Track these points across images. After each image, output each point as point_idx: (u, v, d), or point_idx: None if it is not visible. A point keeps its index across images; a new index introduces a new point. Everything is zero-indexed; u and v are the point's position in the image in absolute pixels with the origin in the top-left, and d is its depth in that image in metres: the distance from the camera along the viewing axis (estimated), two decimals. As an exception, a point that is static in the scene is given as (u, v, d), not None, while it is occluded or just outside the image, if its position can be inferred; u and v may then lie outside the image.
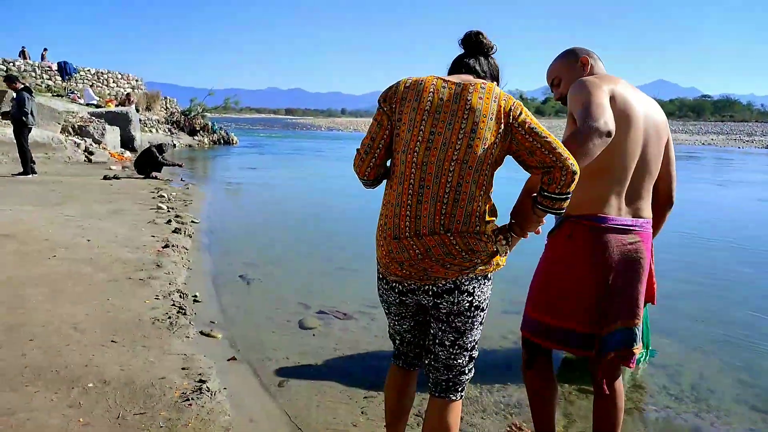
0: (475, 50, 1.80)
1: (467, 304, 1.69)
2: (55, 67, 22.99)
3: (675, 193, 2.17)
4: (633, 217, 1.98)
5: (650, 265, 2.12)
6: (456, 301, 1.68)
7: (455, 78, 1.70)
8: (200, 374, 2.87)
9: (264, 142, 28.42)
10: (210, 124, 24.12)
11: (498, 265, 1.72)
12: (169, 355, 3.10)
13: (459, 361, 1.76)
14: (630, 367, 2.12)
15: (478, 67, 1.78)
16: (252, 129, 47.30)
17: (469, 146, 1.60)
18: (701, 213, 8.83)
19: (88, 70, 24.21)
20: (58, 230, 5.77)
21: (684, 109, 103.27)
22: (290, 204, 9.37)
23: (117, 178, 10.38)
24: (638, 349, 2.03)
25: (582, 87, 1.88)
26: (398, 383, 1.95)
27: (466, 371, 1.79)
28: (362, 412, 2.68)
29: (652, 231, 2.07)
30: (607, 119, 1.74)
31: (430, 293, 1.69)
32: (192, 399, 2.60)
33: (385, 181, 1.82)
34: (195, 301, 4.11)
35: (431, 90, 1.65)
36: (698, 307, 4.38)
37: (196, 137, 22.98)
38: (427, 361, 1.81)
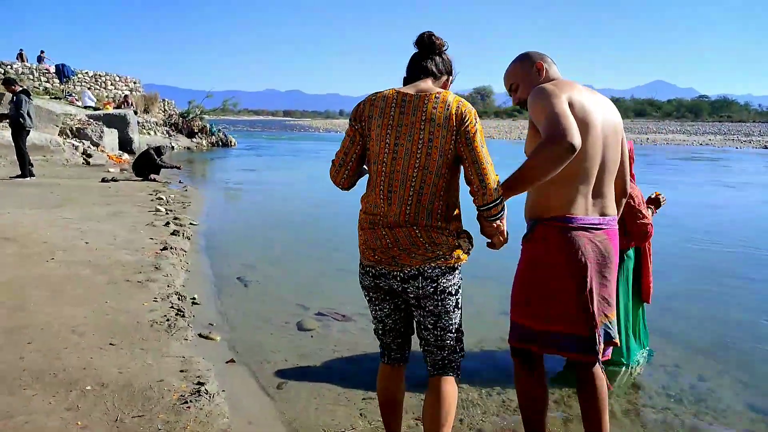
0: (429, 50, 1.98)
1: (431, 289, 1.91)
2: (53, 69, 22.97)
3: (629, 187, 2.30)
4: (600, 215, 2.08)
5: (647, 265, 2.15)
6: (420, 286, 1.91)
7: (412, 89, 1.90)
8: (199, 377, 2.87)
9: (262, 144, 28.43)
10: (208, 126, 24.11)
11: (459, 258, 1.93)
12: (167, 357, 3.10)
13: (447, 341, 1.99)
14: (605, 358, 2.23)
15: (433, 68, 1.96)
16: (250, 131, 47.31)
17: (428, 154, 1.85)
18: (709, 215, 8.85)
19: (86, 73, 24.19)
20: (57, 233, 5.77)
21: (682, 110, 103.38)
22: (288, 206, 9.38)
23: (115, 180, 10.37)
24: (617, 341, 2.16)
25: (542, 96, 1.94)
26: (386, 379, 2.13)
27: (457, 349, 2.02)
28: (360, 414, 2.68)
29: (617, 227, 2.16)
30: (573, 134, 1.80)
31: (398, 278, 1.93)
32: (190, 401, 2.60)
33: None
34: (193, 303, 4.11)
35: (392, 105, 1.88)
36: (698, 308, 4.38)
37: (194, 139, 22.97)
38: (422, 348, 2.05)
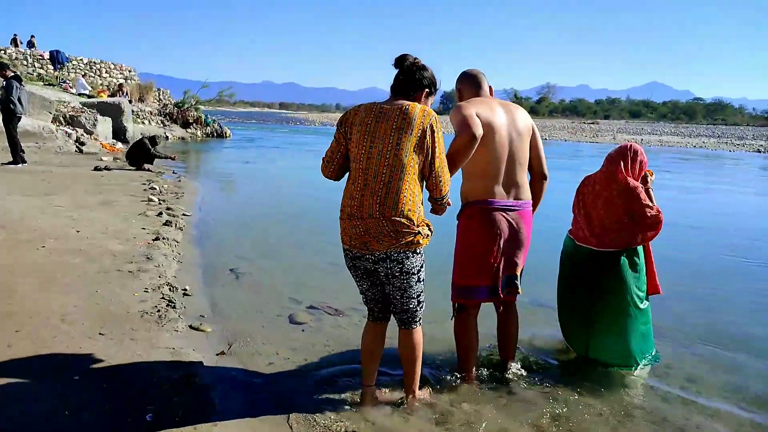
0: (403, 72, 2.42)
1: (397, 271, 2.38)
2: (47, 56, 22.76)
3: (546, 170, 2.96)
4: (514, 199, 2.80)
5: (650, 258, 2.97)
6: (388, 267, 2.37)
7: (388, 103, 2.38)
8: (189, 368, 2.85)
9: (257, 136, 28.32)
10: (203, 116, 23.95)
11: (420, 243, 2.37)
12: (157, 348, 3.08)
13: (410, 305, 2.50)
14: (513, 299, 2.97)
15: (407, 86, 2.41)
16: (246, 122, 47.09)
17: (396, 156, 2.29)
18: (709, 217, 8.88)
19: (81, 60, 24.01)
20: (48, 220, 5.72)
21: (677, 112, 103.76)
22: (282, 198, 9.34)
23: (108, 169, 10.29)
24: (519, 289, 2.83)
25: (456, 109, 2.65)
26: (369, 333, 2.65)
27: (418, 310, 2.54)
28: (351, 408, 2.67)
29: (531, 208, 2.89)
30: (474, 129, 2.49)
31: (370, 260, 2.39)
32: (180, 393, 2.58)
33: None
34: (185, 294, 4.08)
35: (371, 114, 2.35)
36: (690, 308, 4.40)
37: (189, 130, 22.82)
38: (392, 309, 2.55)
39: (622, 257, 3.11)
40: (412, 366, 2.59)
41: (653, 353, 3.30)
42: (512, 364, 3.07)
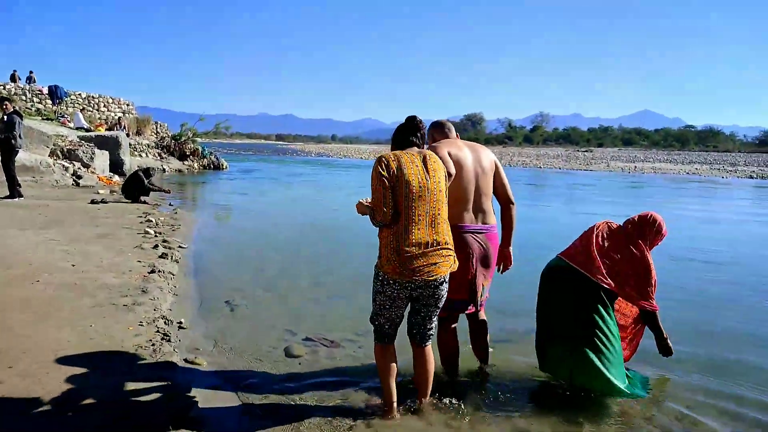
0: (415, 129, 2.83)
1: (444, 291, 2.76)
2: (45, 90, 23.01)
3: (512, 197, 3.42)
4: (482, 224, 3.25)
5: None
6: (443, 288, 2.74)
7: (414, 151, 2.76)
8: (183, 403, 2.82)
9: (254, 168, 28.47)
10: (200, 148, 24.10)
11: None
12: (152, 382, 3.05)
13: (433, 323, 2.88)
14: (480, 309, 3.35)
15: (418, 141, 2.83)
16: (243, 154, 47.39)
17: (439, 191, 2.71)
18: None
19: (79, 94, 24.26)
20: (43, 254, 5.71)
21: (669, 139, 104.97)
22: (279, 229, 9.35)
23: (105, 202, 10.32)
24: (482, 299, 3.28)
25: (432, 150, 3.05)
26: (388, 353, 2.86)
27: (434, 327, 2.91)
28: (347, 442, 2.64)
29: (496, 231, 3.33)
30: (449, 166, 2.99)
31: (432, 286, 2.69)
32: (174, 428, 2.56)
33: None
34: (180, 327, 4.06)
35: (409, 161, 2.67)
36: (683, 329, 4.39)
37: (185, 162, 22.93)
38: (414, 331, 2.87)
39: (601, 292, 3.15)
40: (431, 376, 2.94)
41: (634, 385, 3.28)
42: (485, 366, 3.58)
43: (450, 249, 2.70)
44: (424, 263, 2.61)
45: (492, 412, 3.01)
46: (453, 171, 3.00)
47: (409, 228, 2.60)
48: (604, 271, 3.12)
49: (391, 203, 2.61)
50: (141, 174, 11.03)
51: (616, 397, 3.13)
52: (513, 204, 3.42)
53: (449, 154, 3.09)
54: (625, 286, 3.14)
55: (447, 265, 2.68)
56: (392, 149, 2.81)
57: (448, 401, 3.03)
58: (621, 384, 3.10)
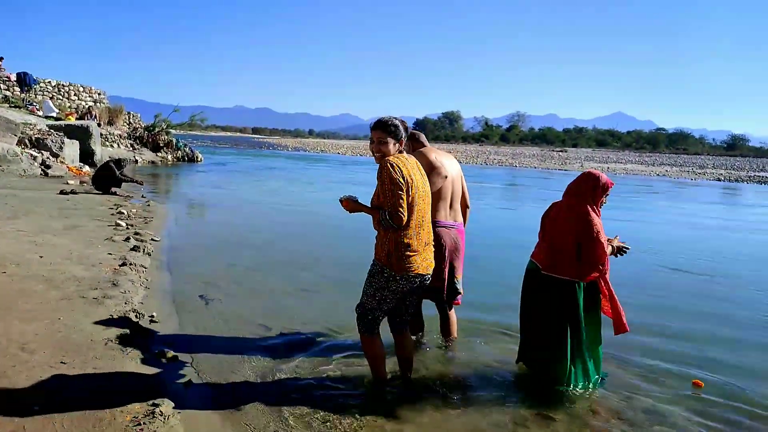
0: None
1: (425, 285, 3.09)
2: (13, 77, 22.31)
3: (469, 202, 3.95)
4: (454, 221, 3.76)
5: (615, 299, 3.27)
6: (428, 280, 3.05)
7: (407, 156, 3.00)
8: (153, 397, 2.78)
9: (229, 160, 28.12)
10: (174, 140, 23.69)
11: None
12: (121, 377, 3.00)
13: (413, 311, 3.25)
14: (458, 303, 3.87)
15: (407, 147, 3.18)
16: (218, 147, 46.75)
17: (429, 194, 3.07)
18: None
19: (49, 82, 23.58)
20: (10, 245, 5.55)
21: (641, 141, 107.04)
22: (253, 223, 9.27)
23: (74, 193, 10.07)
24: (461, 291, 3.76)
25: (420, 155, 3.62)
26: (377, 342, 3.10)
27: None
28: (320, 437, 2.65)
29: (464, 228, 3.84)
30: (444, 171, 3.65)
31: (426, 279, 3.00)
32: (144, 423, 2.53)
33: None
34: (152, 321, 4.01)
35: (413, 166, 2.95)
36: (656, 333, 4.50)
37: (159, 154, 22.52)
38: (398, 319, 3.16)
39: (579, 290, 3.21)
40: (413, 357, 3.32)
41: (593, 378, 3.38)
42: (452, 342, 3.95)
43: (433, 245, 3.07)
44: (425, 259, 2.95)
45: (462, 407, 3.04)
46: (447, 174, 3.61)
47: (417, 229, 2.89)
48: (559, 266, 3.24)
49: (407, 206, 2.83)
50: (112, 164, 10.80)
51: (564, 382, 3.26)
52: (468, 207, 3.98)
53: (435, 161, 3.65)
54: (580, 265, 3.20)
55: (434, 259, 3.04)
56: (390, 144, 2.92)
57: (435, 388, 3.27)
58: (575, 371, 3.26)
